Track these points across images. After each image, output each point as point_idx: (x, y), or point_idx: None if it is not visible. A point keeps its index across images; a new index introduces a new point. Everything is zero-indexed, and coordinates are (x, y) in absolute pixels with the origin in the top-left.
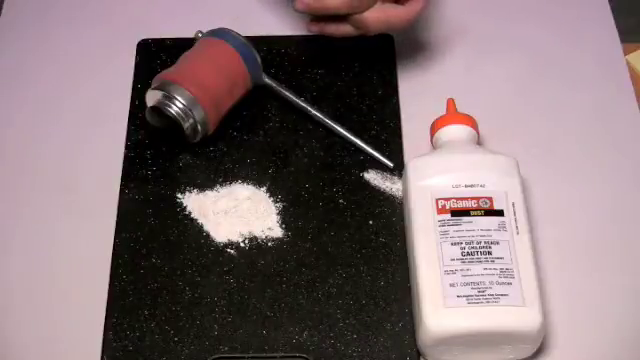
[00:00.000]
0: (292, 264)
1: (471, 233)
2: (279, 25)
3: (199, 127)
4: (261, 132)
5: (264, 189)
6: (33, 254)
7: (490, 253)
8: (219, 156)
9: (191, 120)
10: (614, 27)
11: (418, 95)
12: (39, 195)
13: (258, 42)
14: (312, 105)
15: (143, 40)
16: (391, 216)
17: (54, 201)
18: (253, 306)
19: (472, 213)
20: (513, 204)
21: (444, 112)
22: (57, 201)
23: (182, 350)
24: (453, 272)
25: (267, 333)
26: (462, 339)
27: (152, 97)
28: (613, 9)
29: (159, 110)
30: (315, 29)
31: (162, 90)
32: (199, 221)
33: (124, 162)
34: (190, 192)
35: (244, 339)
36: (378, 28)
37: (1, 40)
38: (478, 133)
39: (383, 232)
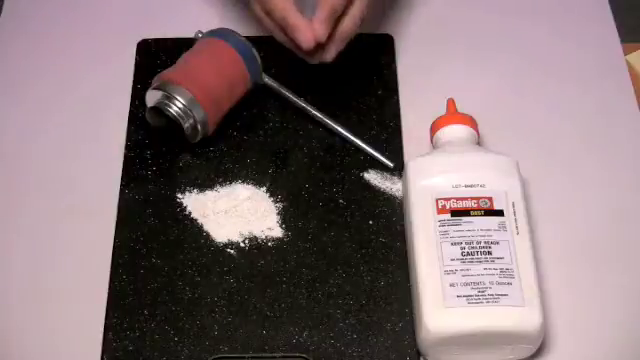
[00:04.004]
0: (292, 264)
1: (471, 233)
2: None
3: (199, 127)
4: (261, 132)
5: (264, 189)
6: (33, 254)
7: (490, 253)
8: (219, 156)
9: (191, 120)
10: (614, 27)
11: (418, 95)
12: (39, 195)
13: (258, 42)
14: (312, 105)
15: (143, 40)
16: (391, 216)
17: (54, 201)
18: (253, 306)
19: (472, 213)
20: (513, 204)
21: (444, 112)
22: (57, 201)
23: (182, 350)
24: (453, 272)
25: (267, 333)
26: (462, 339)
27: (152, 97)
28: (613, 9)
29: (159, 110)
30: (323, 58)
31: (162, 90)
32: (199, 221)
33: (124, 162)
34: (190, 192)
35: (244, 339)
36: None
37: (1, 40)
38: (478, 133)
39: (383, 232)
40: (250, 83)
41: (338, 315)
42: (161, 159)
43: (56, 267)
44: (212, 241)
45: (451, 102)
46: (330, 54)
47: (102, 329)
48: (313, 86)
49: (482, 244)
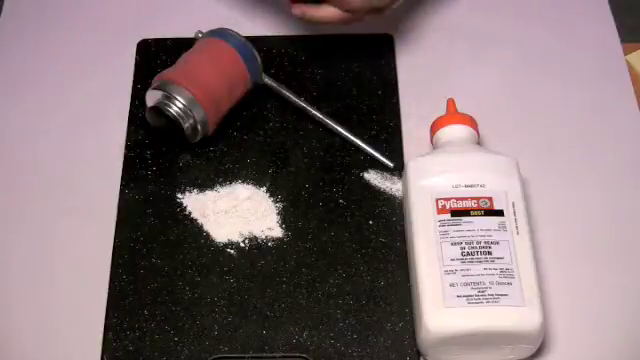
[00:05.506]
0: (292, 264)
1: (471, 233)
2: (279, 25)
3: (199, 127)
4: (261, 132)
5: (264, 189)
6: (33, 254)
7: (490, 253)
8: (219, 156)
9: (191, 120)
10: (614, 27)
11: (418, 95)
12: (39, 195)
13: (258, 42)
14: (312, 105)
15: (143, 40)
16: (391, 216)
17: (54, 201)
18: (253, 306)
19: (472, 213)
20: (513, 204)
21: (444, 112)
22: (57, 201)
23: (182, 350)
24: (453, 272)
25: (267, 333)
26: (462, 339)
27: (152, 97)
28: (613, 9)
29: (159, 110)
30: (298, 12)
31: (162, 90)
32: (199, 221)
33: (124, 162)
34: (190, 192)
35: (244, 339)
36: (361, 2)
37: (1, 40)
38: (478, 133)
39: (383, 232)
40: (250, 83)
41: (338, 315)
42: (161, 159)
43: (56, 267)
44: (212, 241)
45: (451, 102)
46: None
47: (102, 329)
48: (313, 86)
49: (482, 244)
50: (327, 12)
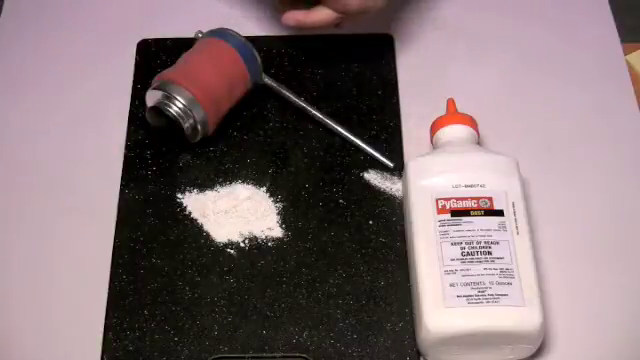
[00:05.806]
0: (292, 264)
1: (471, 233)
2: (279, 25)
3: (199, 127)
4: (261, 132)
5: (264, 189)
6: (33, 254)
7: (490, 253)
8: (219, 156)
9: (191, 120)
10: (614, 27)
11: (418, 95)
12: (39, 195)
13: (258, 42)
14: (312, 105)
15: (143, 40)
16: (391, 216)
17: (54, 201)
18: (253, 306)
19: (472, 213)
20: (513, 204)
21: (444, 112)
22: (57, 201)
23: (182, 350)
24: (453, 272)
25: (267, 333)
26: (462, 339)
27: (152, 97)
28: (613, 9)
29: (159, 110)
30: (291, 22)
31: (162, 90)
32: (199, 221)
33: (124, 162)
34: (190, 192)
35: (244, 339)
36: (359, 5)
37: (1, 40)
38: (478, 133)
39: (383, 232)
40: (250, 83)
41: (338, 315)
42: (161, 159)
43: (56, 267)
44: (212, 241)
45: (451, 102)
46: None
47: (102, 329)
48: (313, 86)
49: (482, 244)
50: (321, 15)
